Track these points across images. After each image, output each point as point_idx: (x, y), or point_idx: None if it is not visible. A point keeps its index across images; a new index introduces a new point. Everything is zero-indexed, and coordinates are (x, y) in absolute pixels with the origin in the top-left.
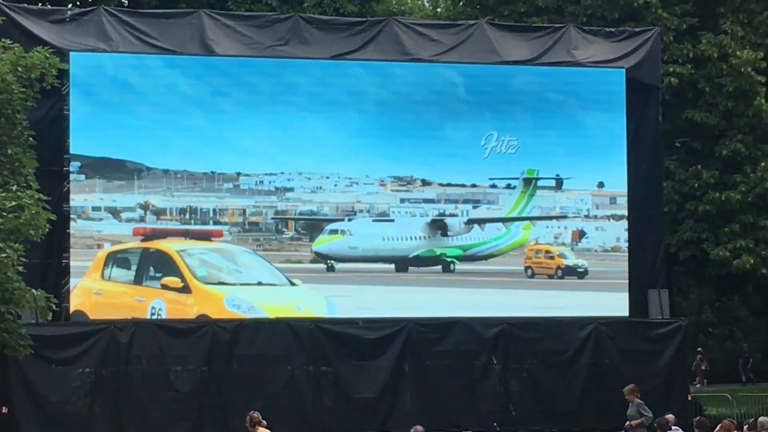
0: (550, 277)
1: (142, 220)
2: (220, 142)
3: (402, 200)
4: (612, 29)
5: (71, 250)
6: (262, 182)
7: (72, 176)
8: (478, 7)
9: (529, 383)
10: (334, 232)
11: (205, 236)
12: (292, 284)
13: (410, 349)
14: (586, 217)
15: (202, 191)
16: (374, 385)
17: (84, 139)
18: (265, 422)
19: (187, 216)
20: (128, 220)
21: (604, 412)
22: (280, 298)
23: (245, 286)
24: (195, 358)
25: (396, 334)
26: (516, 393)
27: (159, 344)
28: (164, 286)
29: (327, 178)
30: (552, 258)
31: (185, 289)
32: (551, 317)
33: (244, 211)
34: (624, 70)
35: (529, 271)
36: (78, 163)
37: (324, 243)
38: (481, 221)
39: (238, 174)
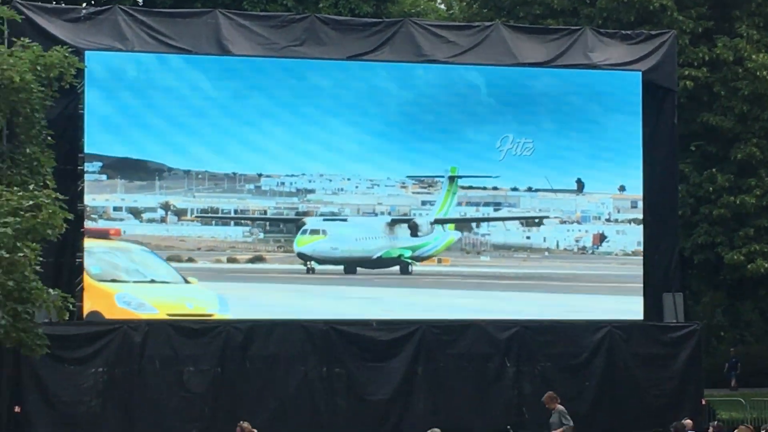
0: None
1: (163, 220)
2: (241, 143)
3: (423, 203)
4: (628, 32)
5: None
6: (283, 183)
7: (93, 176)
8: (492, 8)
9: (543, 386)
10: (315, 232)
11: (103, 234)
12: (187, 282)
13: (424, 351)
14: (607, 221)
15: (224, 192)
16: (387, 387)
17: (103, 138)
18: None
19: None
20: (149, 221)
21: (617, 415)
22: (171, 295)
23: (138, 284)
24: (208, 359)
25: (410, 336)
26: (529, 396)
27: (172, 344)
28: None
29: (348, 179)
30: None
31: None
32: (565, 320)
33: (265, 212)
34: (640, 72)
35: None
36: (99, 163)
37: (308, 244)
38: (445, 222)
39: (260, 175)
